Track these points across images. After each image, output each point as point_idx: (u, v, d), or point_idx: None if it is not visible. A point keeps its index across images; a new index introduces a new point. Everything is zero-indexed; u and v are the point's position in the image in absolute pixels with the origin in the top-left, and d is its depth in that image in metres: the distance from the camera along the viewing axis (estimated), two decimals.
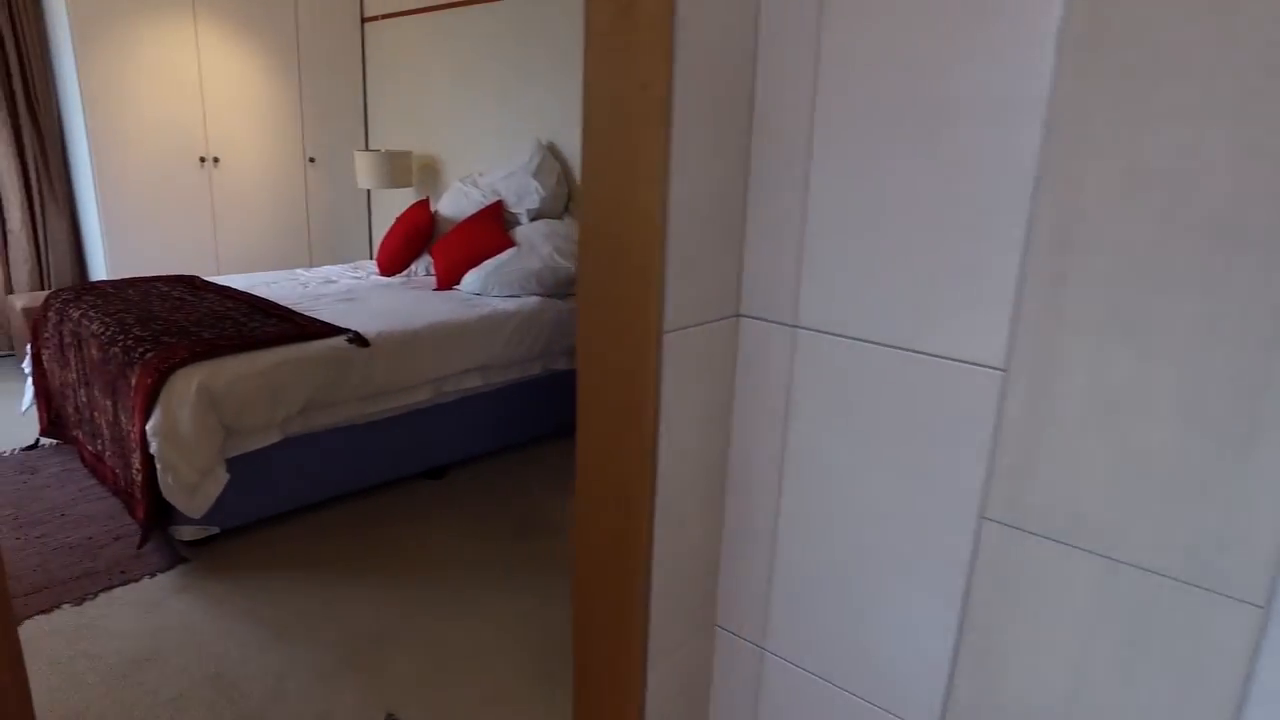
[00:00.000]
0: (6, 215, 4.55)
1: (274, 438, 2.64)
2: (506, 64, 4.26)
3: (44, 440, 3.43)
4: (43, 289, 4.68)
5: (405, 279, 3.95)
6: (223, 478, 2.48)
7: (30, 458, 3.32)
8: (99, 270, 4.48)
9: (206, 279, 3.68)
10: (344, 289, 3.64)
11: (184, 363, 2.46)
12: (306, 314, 3.08)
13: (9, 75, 4.36)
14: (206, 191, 4.64)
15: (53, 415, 3.36)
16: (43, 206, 4.58)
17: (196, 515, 2.48)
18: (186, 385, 2.41)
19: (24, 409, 3.51)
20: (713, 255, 1.22)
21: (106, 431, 2.83)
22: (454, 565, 2.64)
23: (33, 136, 4.47)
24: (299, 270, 4.07)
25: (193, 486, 2.41)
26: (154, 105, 4.35)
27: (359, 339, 2.83)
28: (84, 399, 2.99)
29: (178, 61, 4.39)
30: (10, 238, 4.59)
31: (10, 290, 4.67)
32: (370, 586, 2.50)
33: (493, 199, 3.99)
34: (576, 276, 1.62)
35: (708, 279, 1.22)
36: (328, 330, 2.84)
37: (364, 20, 5.11)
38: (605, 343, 1.19)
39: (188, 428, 2.39)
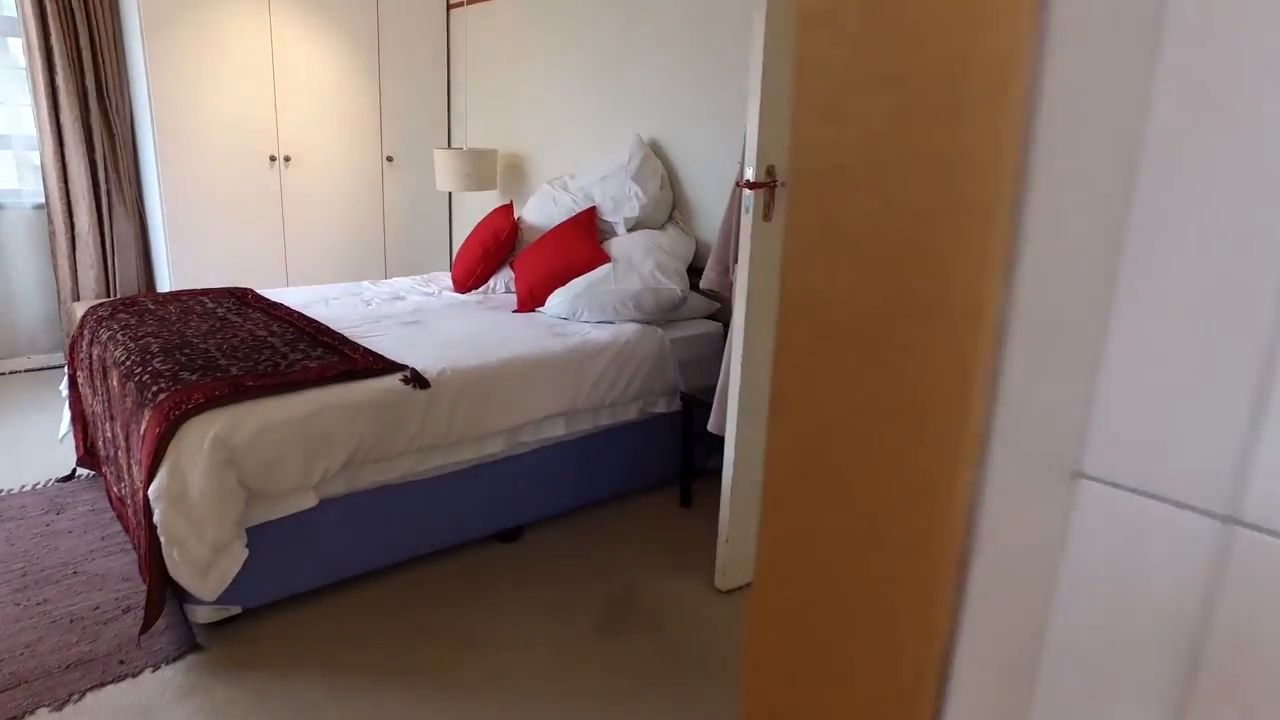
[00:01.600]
0: (75, 217, 4.27)
1: (308, 502, 2.13)
2: (605, 51, 3.70)
3: (80, 471, 3.06)
4: (109, 295, 4.39)
5: (482, 296, 3.42)
6: (241, 554, 1.98)
7: (63, 492, 2.94)
8: (164, 278, 4.15)
9: (260, 293, 3.24)
10: (411, 308, 3.14)
11: (200, 408, 1.97)
12: (361, 342, 2.58)
13: (81, 69, 4.06)
14: (276, 193, 4.26)
15: (88, 444, 2.98)
16: (110, 208, 4.28)
17: (209, 598, 2.00)
18: (200, 438, 1.92)
19: (61, 436, 3.14)
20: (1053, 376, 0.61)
21: (128, 476, 2.39)
22: (523, 672, 2.07)
23: (103, 133, 4.17)
24: (365, 284, 3.61)
25: (204, 565, 1.92)
26: (223, 99, 3.98)
27: (417, 379, 2.30)
28: (108, 433, 2.56)
29: (250, 51, 4.00)
30: (78, 240, 4.31)
31: (77, 297, 4.40)
32: (417, 697, 1.95)
33: (585, 205, 3.43)
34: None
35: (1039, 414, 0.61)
36: (381, 366, 2.32)
37: (450, 6, 4.64)
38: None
39: (199, 492, 1.89)
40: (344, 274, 4.50)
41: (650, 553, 2.69)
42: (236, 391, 2.05)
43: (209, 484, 1.90)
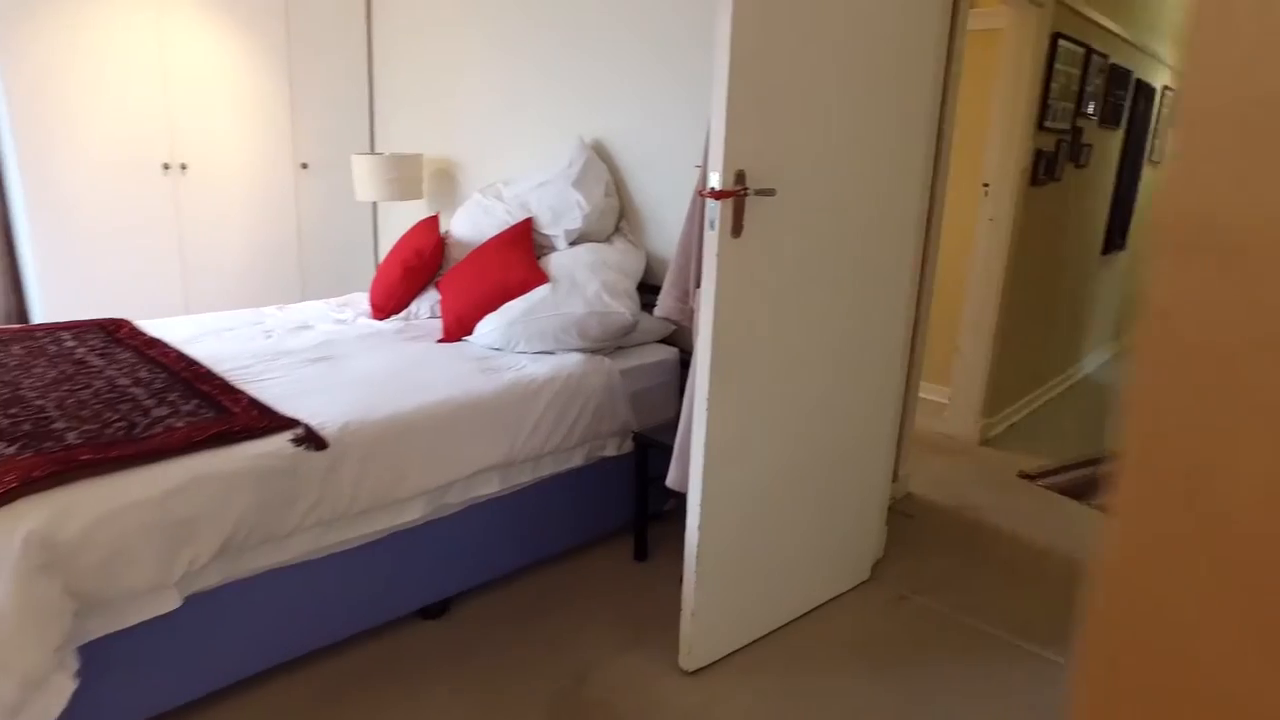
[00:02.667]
0: None
1: (168, 604, 1.68)
2: (544, 43, 3.29)
3: None
4: None
5: (403, 323, 2.98)
6: (67, 687, 1.52)
7: None
8: (36, 309, 3.60)
9: (137, 325, 2.75)
10: (318, 341, 2.69)
11: (8, 496, 1.51)
12: (248, 388, 2.13)
13: None
14: (171, 206, 3.74)
15: None
16: None
17: None
18: (6, 538, 1.46)
19: None
20: None
21: None
22: None
23: None
24: (268, 310, 3.13)
25: (12, 708, 1.46)
26: (102, 99, 3.46)
27: (312, 439, 1.87)
28: None
29: (133, 43, 3.49)
30: None
31: None
32: None
33: (521, 216, 3.02)
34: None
35: None
36: (266, 423, 1.88)
37: None
38: None
39: (4, 612, 1.43)
40: (253, 298, 4.00)
41: (602, 622, 2.29)
42: (65, 469, 1.59)
43: (19, 599, 1.44)
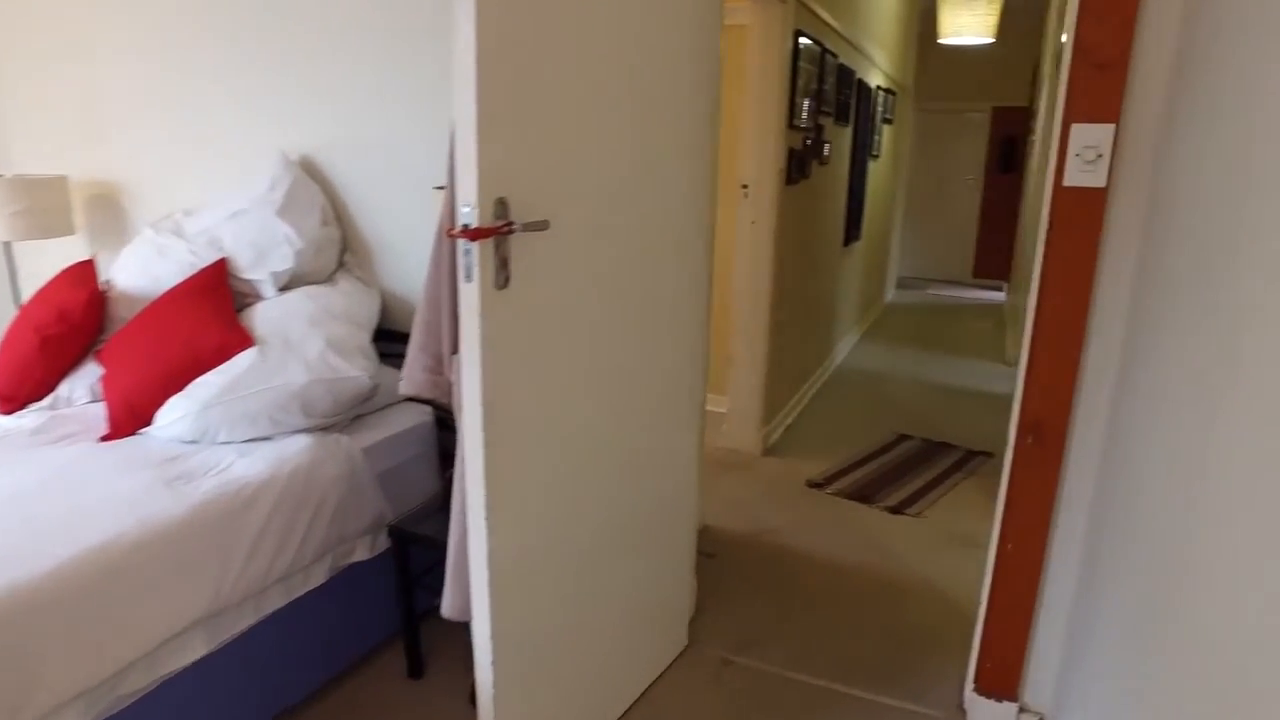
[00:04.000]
0: None
1: None
2: (231, 31, 2.60)
3: None
4: None
5: (47, 416, 2.17)
6: None
7: None
8: None
9: None
10: None
11: None
12: None
13: None
14: None
15: None
16: None
17: None
18: None
19: None
20: None
21: None
22: None
23: None
24: None
25: None
26: None
27: None
28: None
29: None
30: None
31: None
32: None
33: (212, 257, 2.34)
34: None
35: None
36: None
37: None
38: None
39: None
40: None
41: None
42: None
43: None
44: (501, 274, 1.30)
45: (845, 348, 5.74)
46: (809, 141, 3.86)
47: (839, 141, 4.62)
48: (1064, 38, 1.67)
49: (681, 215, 1.89)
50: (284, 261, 2.28)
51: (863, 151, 5.34)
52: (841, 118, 4.53)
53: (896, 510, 3.22)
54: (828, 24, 3.95)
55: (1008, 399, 4.92)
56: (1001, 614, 1.91)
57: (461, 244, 1.26)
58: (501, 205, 1.28)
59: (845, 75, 4.50)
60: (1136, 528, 1.40)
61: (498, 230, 1.27)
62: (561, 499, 1.58)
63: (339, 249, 2.45)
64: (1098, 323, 1.66)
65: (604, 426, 1.69)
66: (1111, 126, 1.57)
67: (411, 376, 1.58)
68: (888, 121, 6.38)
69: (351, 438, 2.02)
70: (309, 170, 2.48)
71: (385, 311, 2.45)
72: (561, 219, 1.42)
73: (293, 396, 1.93)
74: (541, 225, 1.34)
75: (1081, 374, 1.70)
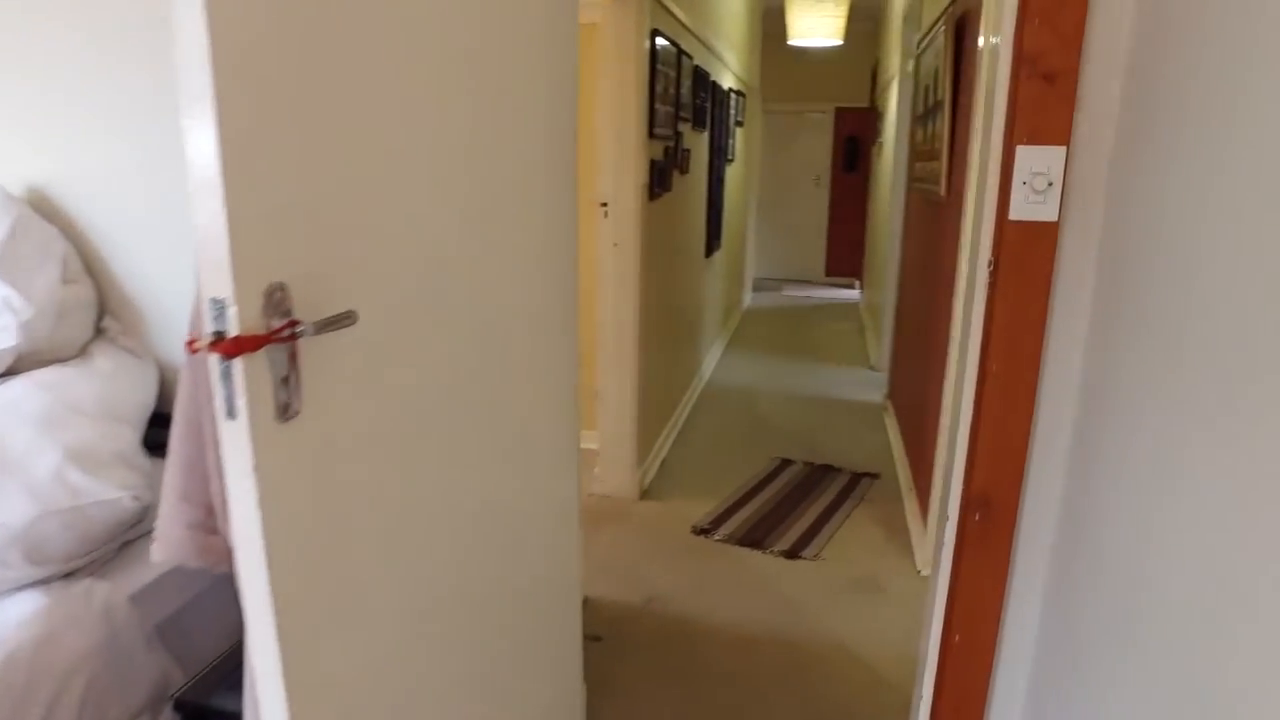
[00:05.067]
0: None
1: None
2: None
3: None
4: None
5: None
6: None
7: None
8: None
9: None
10: None
11: None
12: None
13: None
14: None
15: None
16: None
17: None
18: None
19: None
20: None
21: None
22: None
23: None
24: None
25: None
26: None
27: None
28: None
29: None
30: None
31: None
32: None
33: None
34: None
35: None
36: None
37: None
38: None
39: None
40: None
41: None
42: None
43: None
44: (284, 400, 0.85)
45: (711, 362, 5.50)
46: (670, 151, 3.54)
47: (697, 148, 4.34)
48: (993, 40, 1.40)
49: (541, 257, 1.48)
50: (4, 339, 1.68)
51: (720, 157, 5.11)
52: (699, 123, 4.25)
53: (792, 554, 2.95)
54: (682, 23, 3.64)
55: (880, 410, 4.86)
56: (950, 713, 1.63)
57: (214, 361, 0.80)
58: (277, 295, 0.83)
59: (701, 78, 4.22)
60: (1099, 612, 1.16)
61: (273, 336, 0.82)
62: (405, 649, 1.14)
63: (93, 313, 1.87)
64: (1050, 382, 1.40)
65: (459, 567, 1.26)
66: (1063, 149, 1.30)
67: (169, 536, 1.06)
68: (739, 124, 6.21)
69: (112, 583, 1.48)
70: (42, 210, 1.88)
71: (166, 390, 1.89)
72: (377, 302, 0.98)
73: (10, 541, 1.37)
74: (345, 319, 0.89)
75: (1033, 440, 1.44)
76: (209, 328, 0.79)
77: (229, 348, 0.79)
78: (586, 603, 2.62)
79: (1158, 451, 1.03)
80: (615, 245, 3.15)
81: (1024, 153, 1.32)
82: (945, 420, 2.66)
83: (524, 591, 1.54)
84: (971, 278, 1.48)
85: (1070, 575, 1.37)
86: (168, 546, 1.05)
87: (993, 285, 1.39)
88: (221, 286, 0.78)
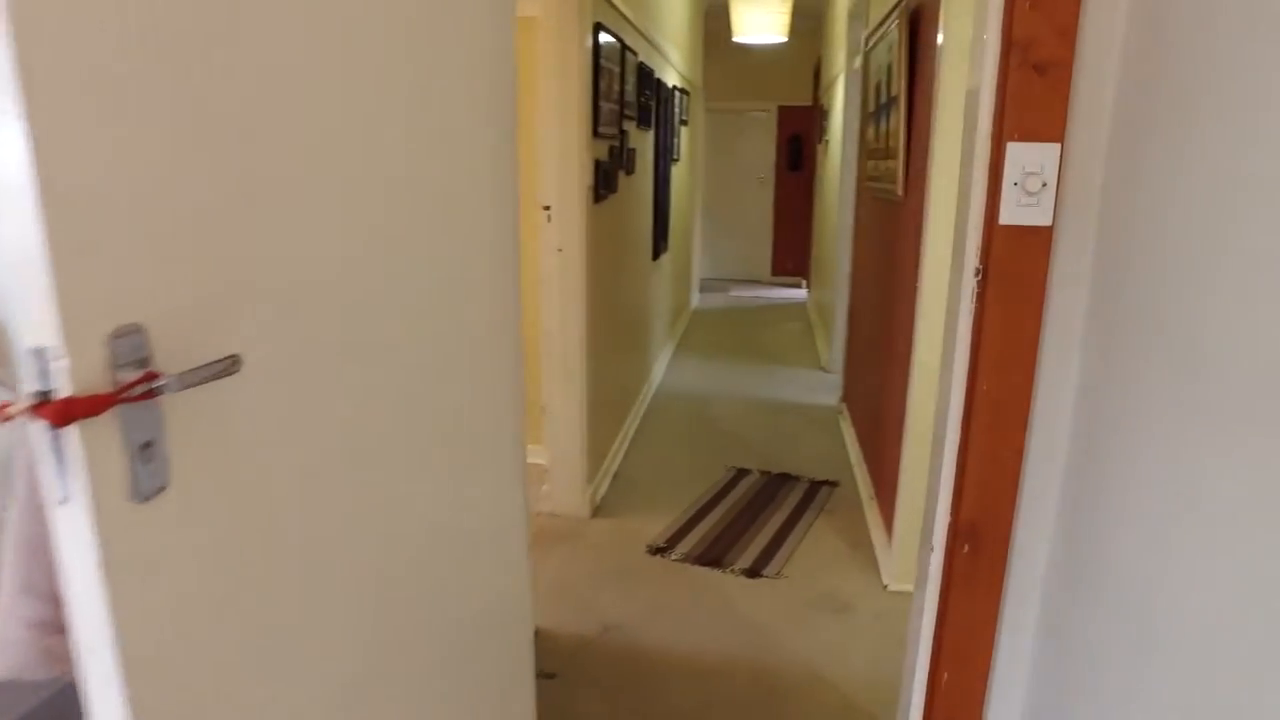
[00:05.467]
0: None
1: None
2: None
3: None
4: None
5: None
6: None
7: None
8: None
9: None
10: None
11: None
12: None
13: None
14: None
15: None
16: None
17: None
18: None
19: None
20: None
21: None
22: None
23: None
24: None
25: None
26: None
27: None
28: None
29: None
30: None
31: None
32: None
33: None
34: None
35: None
36: None
37: None
38: None
39: None
40: None
41: None
42: None
43: None
44: (142, 474, 0.66)
45: (661, 367, 5.36)
46: (615, 151, 3.38)
47: (643, 148, 4.19)
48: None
49: (478, 268, 1.30)
50: None
51: (665, 156, 4.97)
52: (644, 121, 4.10)
53: (753, 573, 2.81)
54: (626, 17, 3.48)
55: (835, 413, 4.77)
56: None
57: (39, 431, 0.61)
58: (130, 340, 0.64)
59: (645, 75, 4.07)
60: (1104, 642, 1.04)
61: (123, 395, 0.63)
62: None
63: None
64: (1045, 399, 1.28)
65: (389, 618, 1.08)
66: (1057, 146, 1.18)
67: (5, 639, 0.85)
68: (684, 123, 6.08)
69: None
70: None
71: None
72: (269, 342, 0.80)
73: None
74: (226, 366, 0.71)
75: (1026, 463, 1.32)
76: (29, 385, 0.60)
77: (58, 413, 0.60)
78: (538, 635, 2.45)
79: (1173, 467, 0.92)
80: (560, 251, 2.98)
81: (1015, 150, 1.19)
82: (909, 430, 2.56)
83: (469, 630, 1.36)
84: (956, 287, 1.35)
85: (1069, 605, 1.25)
86: (4, 652, 0.84)
87: (981, 296, 1.26)
88: (45, 331, 0.59)
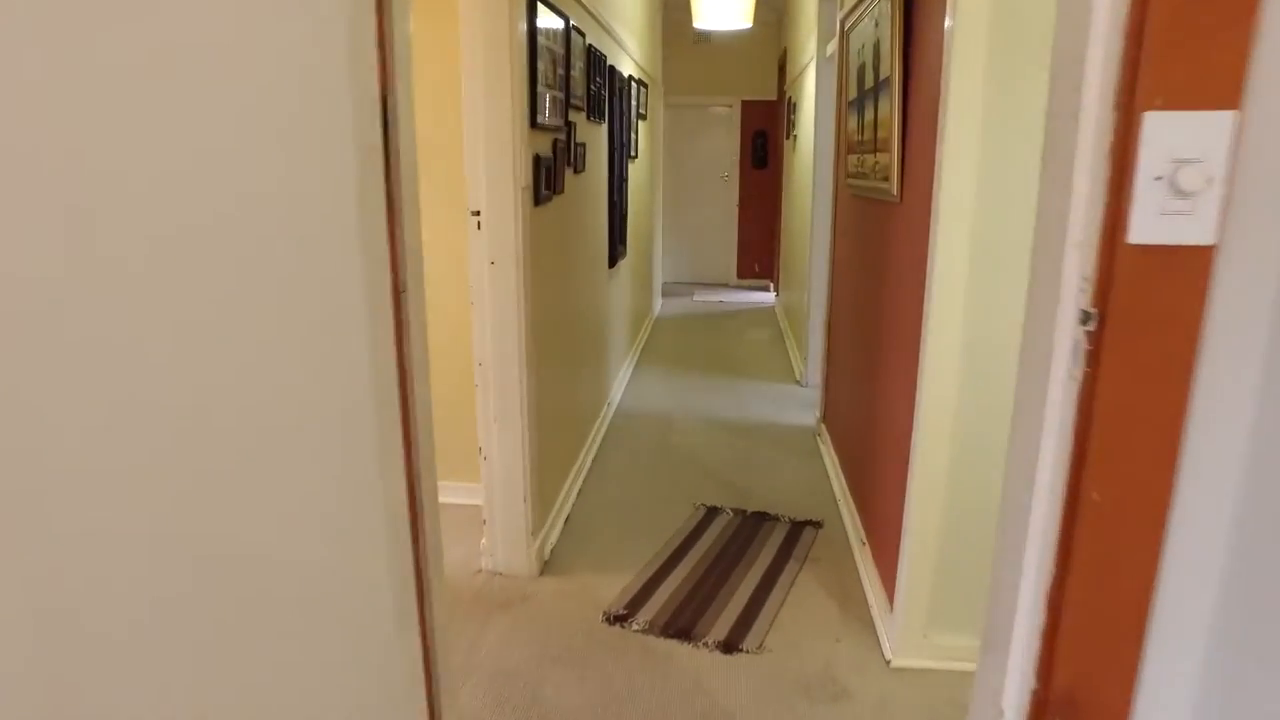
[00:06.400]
0: None
1: None
2: None
3: None
4: None
5: None
6: None
7: None
8: None
9: None
10: None
11: None
12: None
13: None
14: None
15: None
16: None
17: None
18: None
19: None
20: None
21: None
22: None
23: None
24: None
25: None
26: None
27: None
28: None
29: None
30: None
31: None
32: None
33: None
34: None
35: None
36: None
37: None
38: None
39: None
40: None
41: None
42: None
43: None
44: None
45: (621, 385, 4.88)
46: (559, 145, 2.90)
47: (595, 143, 3.71)
48: None
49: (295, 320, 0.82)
50: None
51: (622, 153, 4.49)
52: (595, 113, 3.62)
53: (729, 647, 2.35)
54: None
55: (813, 434, 4.33)
56: None
57: None
58: None
59: (596, 60, 3.59)
60: None
61: None
62: None
63: None
64: (1190, 511, 0.83)
65: None
66: (1230, 116, 0.73)
67: None
68: (643, 117, 5.62)
69: None
70: None
71: None
72: None
73: None
74: None
75: (1156, 607, 0.87)
76: None
77: None
78: None
79: None
80: (492, 264, 2.49)
81: (1158, 125, 0.73)
82: (916, 473, 2.11)
83: None
84: (1038, 340, 0.89)
85: None
86: None
87: (1094, 356, 0.80)
88: None
